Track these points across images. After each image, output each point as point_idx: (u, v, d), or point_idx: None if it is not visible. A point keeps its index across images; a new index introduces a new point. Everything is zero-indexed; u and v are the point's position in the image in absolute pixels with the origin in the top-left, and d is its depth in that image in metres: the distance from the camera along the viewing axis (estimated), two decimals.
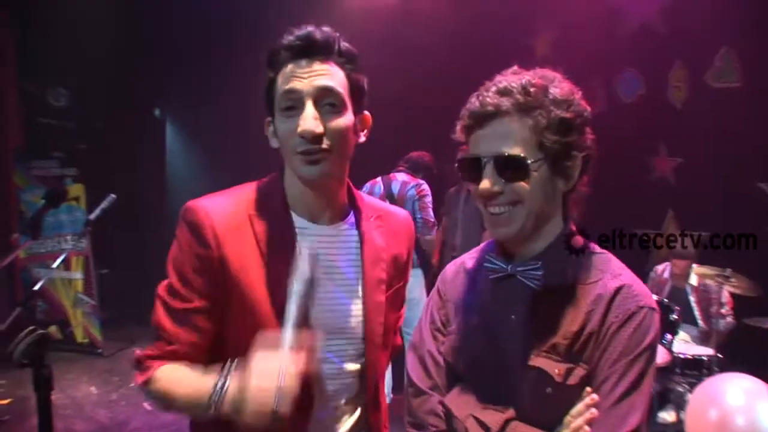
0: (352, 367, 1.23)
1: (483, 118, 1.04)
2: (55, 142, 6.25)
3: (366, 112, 1.24)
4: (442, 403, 1.13)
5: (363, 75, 1.20)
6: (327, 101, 1.12)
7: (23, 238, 5.42)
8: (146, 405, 4.45)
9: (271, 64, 1.16)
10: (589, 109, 1.07)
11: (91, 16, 6.46)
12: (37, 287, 3.05)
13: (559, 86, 1.05)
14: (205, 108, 8.09)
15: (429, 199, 4.12)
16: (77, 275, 5.89)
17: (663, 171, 5.60)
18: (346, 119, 1.14)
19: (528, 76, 1.05)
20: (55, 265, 3.26)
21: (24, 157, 6.12)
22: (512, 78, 1.05)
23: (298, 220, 1.21)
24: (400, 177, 4.19)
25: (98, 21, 6.49)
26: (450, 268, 1.26)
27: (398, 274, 1.30)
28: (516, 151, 1.01)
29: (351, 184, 1.30)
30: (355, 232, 1.26)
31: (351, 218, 1.28)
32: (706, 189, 5.06)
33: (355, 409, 1.27)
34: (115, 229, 5.95)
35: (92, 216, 3.20)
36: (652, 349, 1.02)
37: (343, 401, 1.24)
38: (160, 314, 1.15)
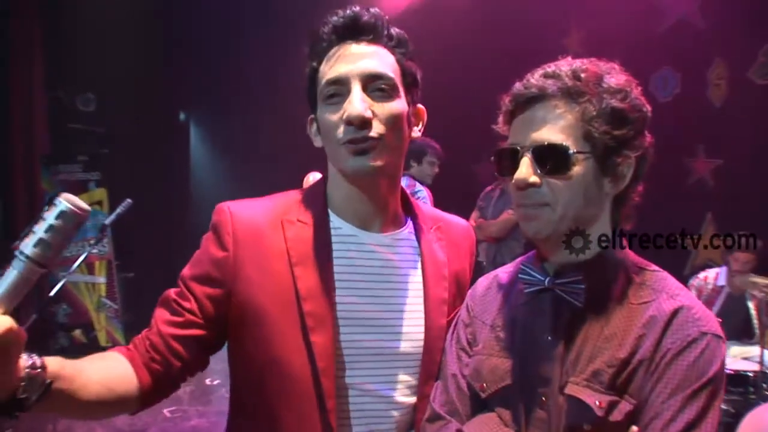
0: (405, 399, 1.07)
1: (525, 102, 0.93)
2: (82, 146, 6.30)
3: (420, 106, 1.10)
4: (460, 431, 1.00)
5: (415, 63, 1.07)
6: (376, 85, 0.99)
7: None
8: (165, 412, 4.42)
9: (313, 52, 1.03)
10: (648, 107, 0.95)
11: (118, 21, 6.52)
12: (52, 293, 3.04)
13: (616, 76, 0.93)
14: (230, 112, 8.11)
15: (420, 196, 3.70)
16: (101, 279, 5.93)
17: (701, 173, 5.38)
18: (400, 105, 1.01)
19: (580, 63, 0.95)
20: (72, 268, 3.23)
21: (50, 162, 6.18)
22: (562, 62, 0.95)
23: (345, 227, 1.07)
24: None
25: (125, 27, 6.55)
26: (482, 282, 1.13)
27: (460, 293, 1.13)
28: (558, 138, 0.89)
29: (405, 189, 1.16)
30: (415, 243, 1.12)
31: (409, 227, 1.13)
32: (747, 191, 4.84)
33: None
34: (140, 234, 5.97)
35: (107, 221, 3.17)
36: (716, 383, 0.85)
37: None
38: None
